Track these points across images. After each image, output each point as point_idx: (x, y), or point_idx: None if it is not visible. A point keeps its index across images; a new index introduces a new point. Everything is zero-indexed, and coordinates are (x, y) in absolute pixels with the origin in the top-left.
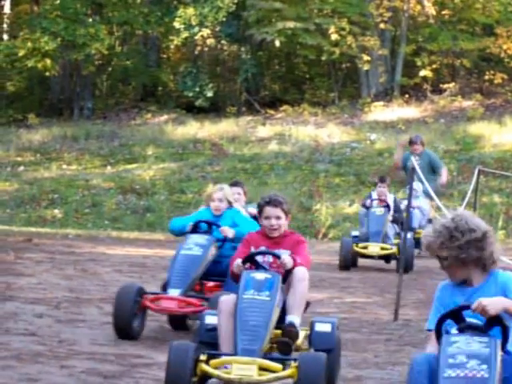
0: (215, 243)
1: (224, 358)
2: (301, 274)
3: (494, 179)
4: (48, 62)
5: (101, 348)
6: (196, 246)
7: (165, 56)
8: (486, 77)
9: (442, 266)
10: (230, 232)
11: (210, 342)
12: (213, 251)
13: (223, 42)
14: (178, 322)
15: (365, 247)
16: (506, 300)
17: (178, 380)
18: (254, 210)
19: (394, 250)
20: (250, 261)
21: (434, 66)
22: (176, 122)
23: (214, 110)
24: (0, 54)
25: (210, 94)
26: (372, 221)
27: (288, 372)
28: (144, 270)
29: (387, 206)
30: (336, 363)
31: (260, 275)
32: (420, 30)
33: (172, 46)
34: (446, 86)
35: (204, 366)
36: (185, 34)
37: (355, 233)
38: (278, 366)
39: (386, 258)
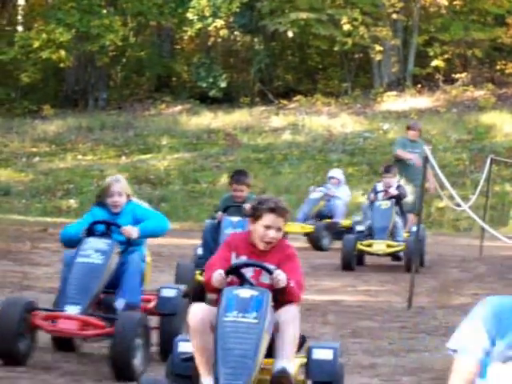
0: (117, 248)
1: None
2: (290, 315)
3: (506, 168)
4: (62, 53)
5: None
6: (95, 252)
7: (178, 47)
8: (498, 66)
9: None
10: (133, 232)
11: (185, 375)
12: (115, 258)
13: (236, 32)
14: (64, 342)
15: (369, 245)
16: None
17: None
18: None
19: (402, 247)
20: (235, 273)
21: (446, 56)
22: (190, 112)
23: (228, 100)
24: (15, 45)
25: (223, 84)
26: (377, 215)
27: None
28: (160, 258)
29: (393, 198)
30: None
31: (245, 292)
32: (432, 21)
33: (186, 37)
34: (458, 75)
35: None
36: (198, 25)
37: (360, 228)
38: None
39: (394, 256)
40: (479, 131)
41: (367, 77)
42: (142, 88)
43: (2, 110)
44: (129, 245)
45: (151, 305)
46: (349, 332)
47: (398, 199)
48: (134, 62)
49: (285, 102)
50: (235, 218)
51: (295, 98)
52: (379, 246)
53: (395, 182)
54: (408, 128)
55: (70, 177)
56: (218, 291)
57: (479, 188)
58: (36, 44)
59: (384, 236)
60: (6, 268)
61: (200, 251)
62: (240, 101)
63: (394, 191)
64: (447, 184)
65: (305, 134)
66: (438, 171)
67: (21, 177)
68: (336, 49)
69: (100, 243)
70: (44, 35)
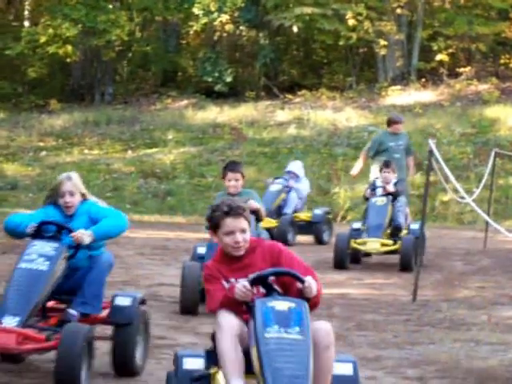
0: (66, 252)
1: None
2: (327, 337)
3: (510, 162)
4: (69, 48)
5: None
6: (40, 256)
7: (184, 42)
8: (502, 61)
9: None
10: (85, 237)
11: None
12: (62, 264)
13: (242, 27)
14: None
15: (363, 243)
16: None
17: None
18: (255, 204)
19: (397, 246)
20: (261, 283)
21: (450, 51)
22: (196, 106)
23: (233, 94)
24: (22, 40)
25: (229, 79)
26: (372, 212)
27: None
28: (165, 252)
29: (390, 195)
30: None
31: (281, 304)
32: (436, 15)
33: (191, 32)
34: (462, 69)
35: None
36: (204, 20)
37: (356, 225)
38: None
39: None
40: (483, 125)
41: (372, 71)
42: (147, 83)
43: (8, 105)
44: (78, 248)
45: (104, 313)
46: (354, 325)
47: (395, 196)
48: (140, 57)
49: (290, 96)
50: None
51: (300, 93)
52: (373, 244)
53: (394, 177)
54: (392, 121)
55: (76, 171)
56: (240, 305)
57: (483, 181)
58: (42, 39)
59: (379, 234)
60: (12, 262)
61: (201, 250)
62: (245, 95)
63: (391, 188)
64: (452, 177)
65: (310, 128)
66: (443, 164)
67: (28, 171)
68: (341, 43)
69: (46, 247)
70: (50, 30)
